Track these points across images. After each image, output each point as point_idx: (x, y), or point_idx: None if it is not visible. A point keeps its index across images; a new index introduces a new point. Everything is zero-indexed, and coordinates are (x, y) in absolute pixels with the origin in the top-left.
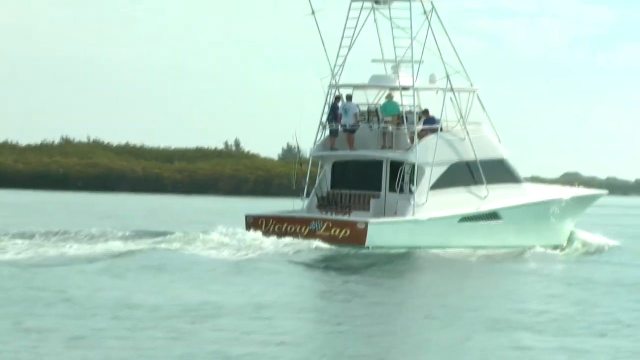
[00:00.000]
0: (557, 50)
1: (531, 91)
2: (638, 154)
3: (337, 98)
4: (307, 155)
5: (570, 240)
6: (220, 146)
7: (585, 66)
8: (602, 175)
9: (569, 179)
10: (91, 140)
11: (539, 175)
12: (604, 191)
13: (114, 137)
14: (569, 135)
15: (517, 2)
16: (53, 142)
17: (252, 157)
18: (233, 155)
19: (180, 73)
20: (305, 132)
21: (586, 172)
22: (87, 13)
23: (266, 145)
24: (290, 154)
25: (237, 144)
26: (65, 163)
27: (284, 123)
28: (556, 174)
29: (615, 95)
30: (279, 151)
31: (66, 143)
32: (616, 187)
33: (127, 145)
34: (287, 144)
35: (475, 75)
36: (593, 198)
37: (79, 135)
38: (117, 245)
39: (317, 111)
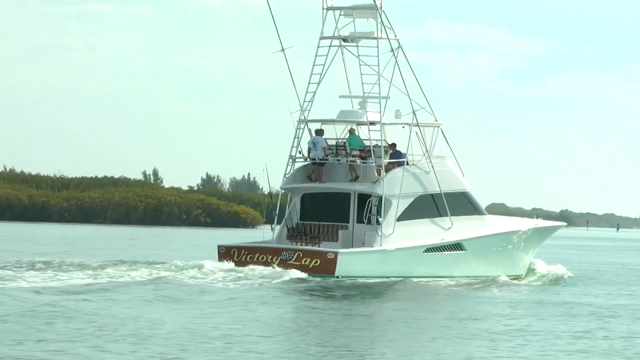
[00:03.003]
0: (485, 82)
1: (458, 122)
2: (561, 186)
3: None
4: (226, 188)
5: (530, 270)
6: (139, 176)
7: (511, 98)
8: (527, 206)
9: (495, 210)
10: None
11: None
12: (563, 223)
13: (31, 166)
14: (493, 166)
15: (447, 34)
16: None
17: (154, 186)
18: (129, 183)
19: (110, 104)
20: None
21: (511, 203)
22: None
23: (185, 176)
24: (209, 183)
25: (155, 173)
26: None
27: (205, 154)
28: (482, 204)
29: (540, 127)
30: (198, 181)
31: None
32: (542, 218)
33: (22, 173)
34: (207, 174)
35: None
36: (552, 229)
37: None
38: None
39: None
